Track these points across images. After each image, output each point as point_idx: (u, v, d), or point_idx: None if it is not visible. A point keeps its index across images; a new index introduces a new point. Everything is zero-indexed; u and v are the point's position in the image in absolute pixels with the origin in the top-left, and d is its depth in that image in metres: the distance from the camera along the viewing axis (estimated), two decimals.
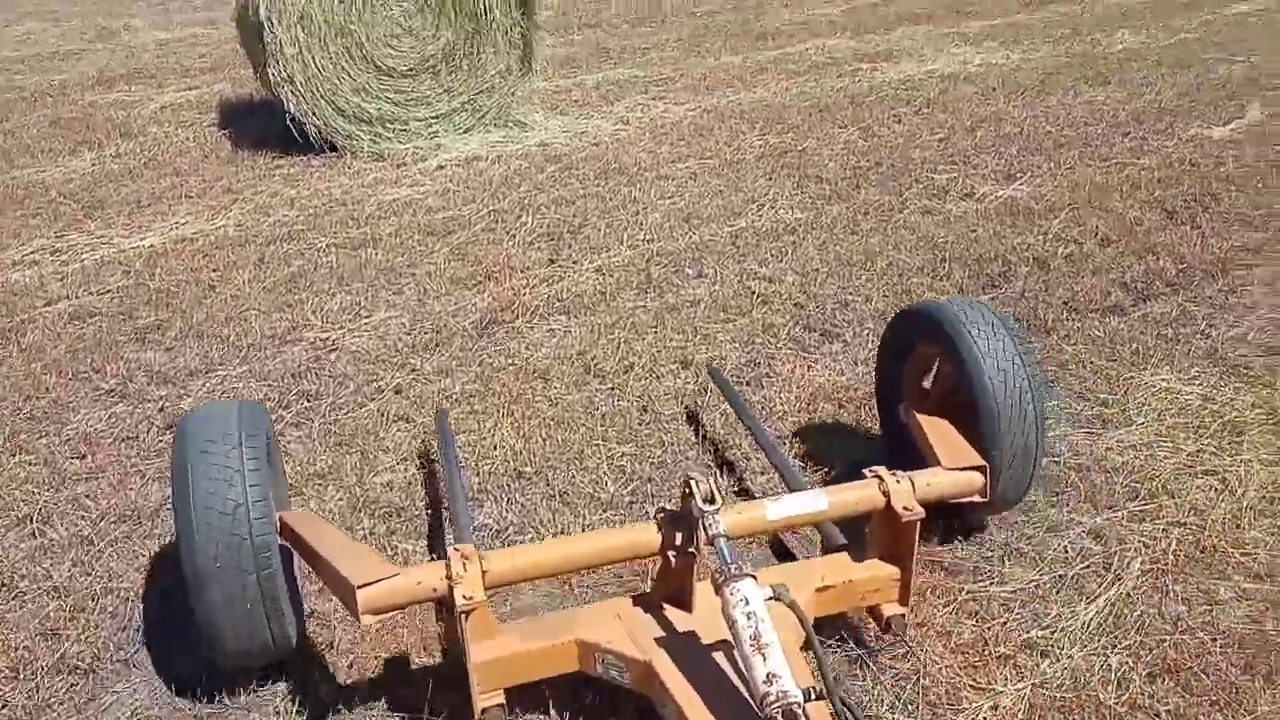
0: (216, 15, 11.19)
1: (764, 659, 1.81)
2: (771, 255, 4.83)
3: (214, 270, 4.78)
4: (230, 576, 2.12)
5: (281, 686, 2.41)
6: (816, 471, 3.19)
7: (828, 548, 2.59)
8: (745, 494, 3.11)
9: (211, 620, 2.17)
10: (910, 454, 2.78)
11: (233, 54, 8.61)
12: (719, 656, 2.11)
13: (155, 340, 4.16)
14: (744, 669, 1.86)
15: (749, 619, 1.87)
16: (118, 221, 5.46)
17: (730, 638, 1.92)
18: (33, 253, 5.07)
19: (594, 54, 9.16)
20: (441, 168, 6.30)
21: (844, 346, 3.98)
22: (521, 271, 4.75)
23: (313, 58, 6.22)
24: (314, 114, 6.30)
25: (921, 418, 2.79)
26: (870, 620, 2.47)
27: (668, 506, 2.24)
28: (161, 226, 5.37)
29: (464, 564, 2.13)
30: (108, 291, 4.64)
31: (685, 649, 2.15)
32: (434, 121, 6.69)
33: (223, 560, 2.11)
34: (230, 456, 2.19)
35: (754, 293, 4.44)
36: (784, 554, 2.82)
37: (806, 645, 2.01)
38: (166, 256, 4.98)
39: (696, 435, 3.44)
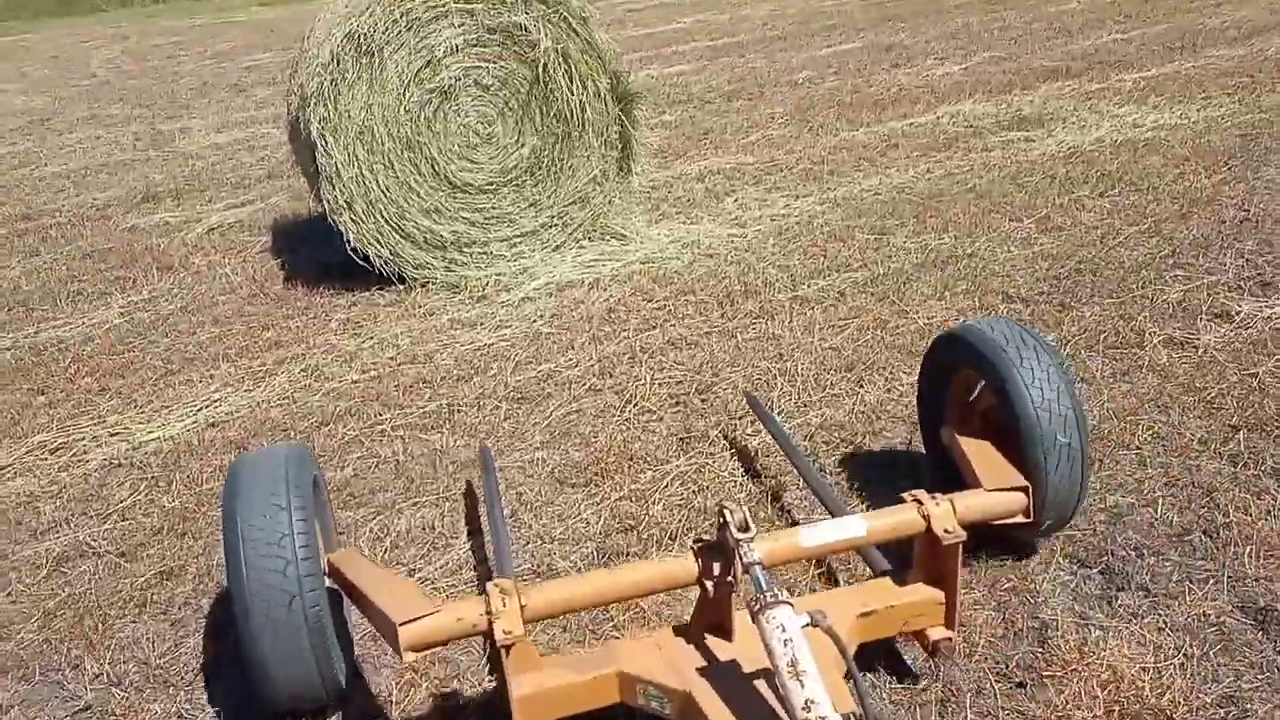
0: (280, 110, 10.43)
1: (802, 686, 1.83)
2: None
3: None
4: (281, 630, 2.19)
5: None
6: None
7: (873, 573, 2.60)
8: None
9: (264, 672, 2.23)
10: (953, 477, 2.82)
11: (291, 155, 7.74)
12: (760, 685, 2.12)
13: (158, 605, 3.05)
14: (782, 696, 1.86)
15: (786, 646, 1.89)
16: (137, 399, 4.42)
17: (770, 666, 1.93)
18: (29, 452, 4.03)
19: (689, 138, 8.03)
20: (530, 299, 5.17)
21: (1150, 606, 2.65)
22: (645, 462, 3.54)
23: (375, 179, 5.19)
24: (378, 242, 5.25)
25: (963, 440, 2.79)
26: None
27: (705, 537, 2.28)
28: (189, 404, 4.32)
29: (503, 599, 2.16)
30: (111, 513, 3.57)
31: (726, 679, 2.17)
32: (518, 241, 5.58)
33: (274, 615, 2.17)
34: (280, 518, 2.24)
35: None
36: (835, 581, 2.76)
37: (848, 675, 1.94)
38: (191, 454, 3.90)
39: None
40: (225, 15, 21.65)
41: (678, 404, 3.95)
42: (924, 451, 3.23)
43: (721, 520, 2.15)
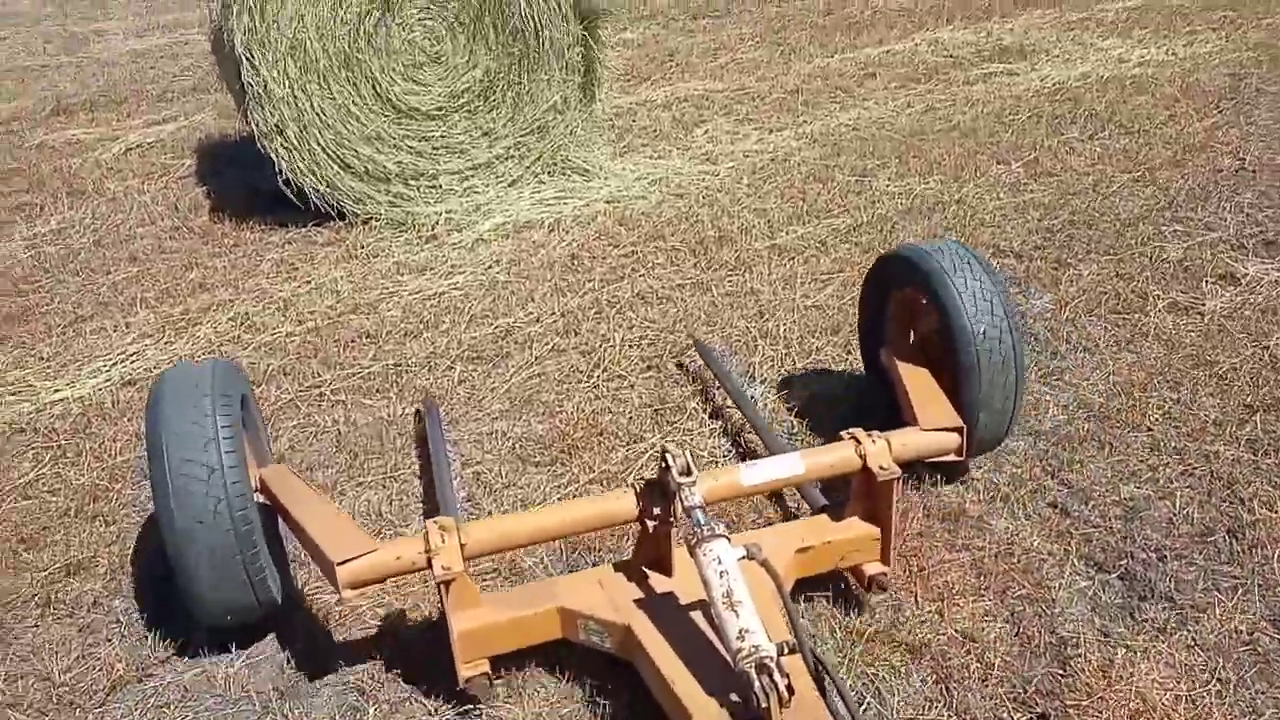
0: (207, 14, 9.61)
1: (737, 615, 1.85)
2: None
3: None
4: (210, 540, 2.15)
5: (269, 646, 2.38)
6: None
7: (811, 510, 2.60)
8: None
9: (193, 583, 2.20)
10: (892, 402, 2.86)
11: (216, 67, 7.07)
12: (698, 618, 2.13)
13: (64, 605, 2.66)
14: (718, 626, 1.88)
15: (721, 578, 1.91)
16: (42, 350, 3.94)
17: (706, 598, 1.94)
18: None
19: (655, 59, 7.52)
20: (483, 241, 4.73)
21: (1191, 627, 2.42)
22: (617, 438, 3.21)
23: (309, 100, 4.65)
24: (314, 173, 4.74)
25: (901, 366, 2.80)
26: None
27: (645, 475, 2.43)
28: (102, 356, 3.86)
29: (442, 535, 2.14)
30: (9, 491, 3.14)
31: (665, 612, 2.18)
32: (470, 174, 5.11)
33: (202, 524, 2.13)
34: (205, 423, 2.19)
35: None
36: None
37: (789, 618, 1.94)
38: (103, 418, 3.46)
39: None
40: None
41: (650, 368, 3.60)
42: (864, 372, 3.25)
43: (664, 464, 2.14)
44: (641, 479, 2.28)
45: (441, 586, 2.10)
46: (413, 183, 4.99)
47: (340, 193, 4.83)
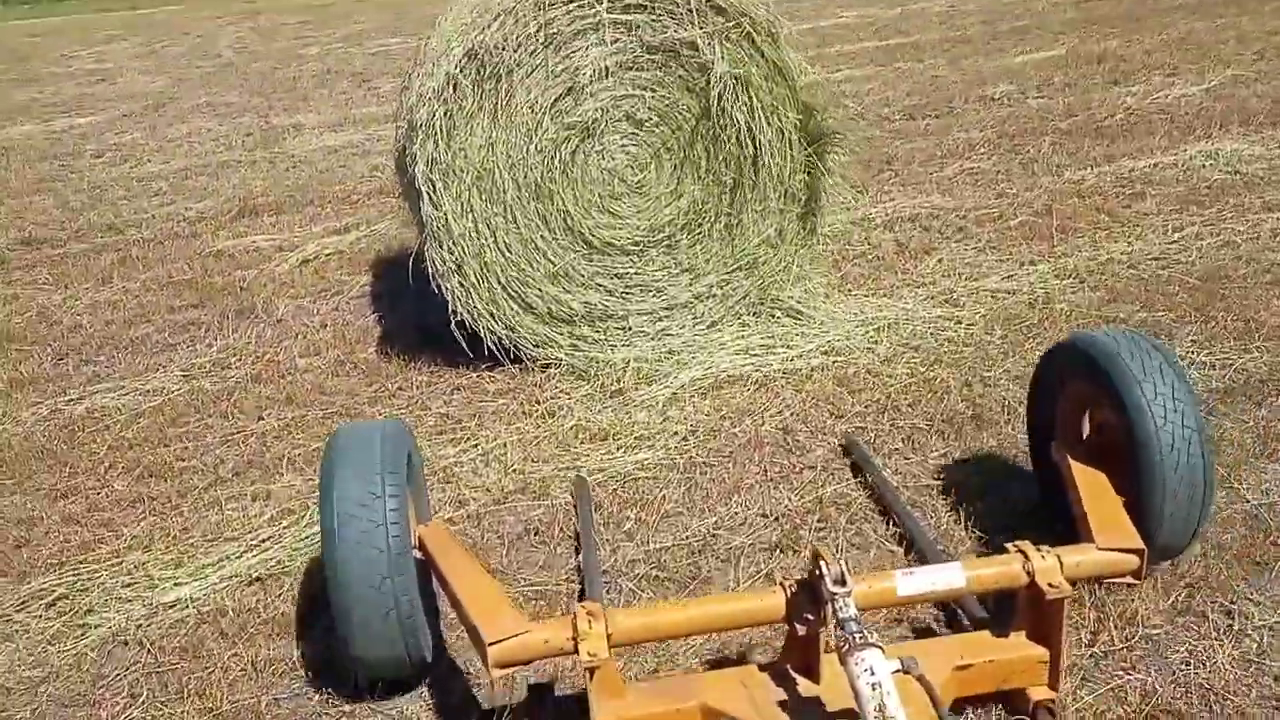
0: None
1: None
2: None
3: None
4: (371, 610, 2.29)
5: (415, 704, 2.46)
6: None
7: (970, 621, 2.51)
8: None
9: (351, 644, 2.35)
10: (1059, 498, 2.78)
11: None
12: None
13: None
14: None
15: (874, 690, 1.84)
16: (171, 523, 3.42)
17: (856, 710, 1.88)
18: (23, 604, 3.07)
19: (869, 167, 6.65)
20: (677, 399, 3.97)
21: None
22: None
23: (494, 235, 4.06)
24: (492, 315, 4.13)
25: (1076, 467, 2.65)
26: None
27: (794, 573, 2.23)
28: (235, 537, 3.29)
29: (589, 621, 2.16)
30: None
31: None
32: (665, 315, 4.38)
33: (365, 595, 2.29)
34: (373, 479, 2.34)
35: None
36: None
37: None
38: (219, 634, 2.84)
39: None
40: None
41: (897, 619, 2.68)
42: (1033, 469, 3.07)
43: (816, 570, 2.09)
44: (791, 578, 2.20)
45: (587, 672, 2.14)
46: (600, 324, 4.31)
47: (519, 335, 4.19)
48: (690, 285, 4.38)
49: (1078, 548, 2.36)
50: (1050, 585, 2.19)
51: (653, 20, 3.98)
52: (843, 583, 2.02)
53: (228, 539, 3.30)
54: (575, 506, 3.28)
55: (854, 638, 1.91)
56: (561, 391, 4.10)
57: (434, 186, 3.95)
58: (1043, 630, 2.26)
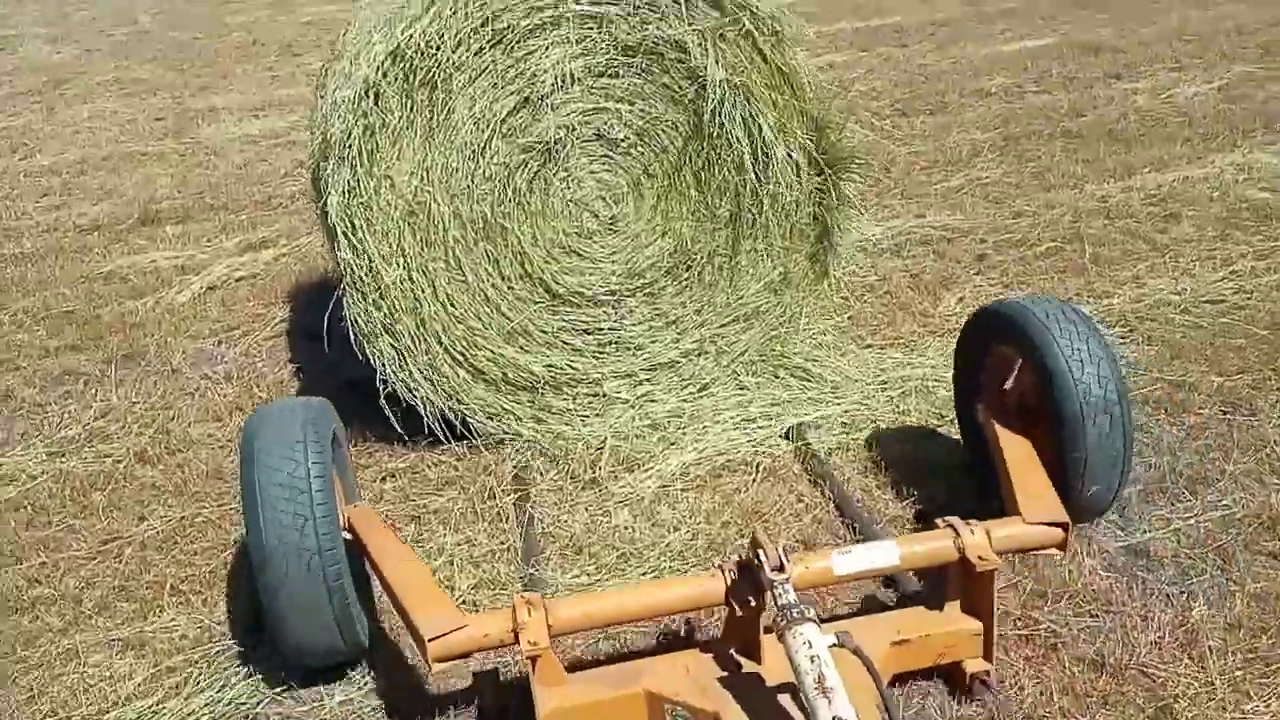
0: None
1: (829, 702, 1.81)
2: None
3: None
4: (299, 588, 2.22)
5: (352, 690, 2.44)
6: None
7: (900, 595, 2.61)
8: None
9: (281, 625, 2.28)
10: (981, 457, 2.88)
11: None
12: (788, 704, 2.09)
13: None
14: (810, 713, 1.84)
15: (812, 662, 1.87)
16: (1, 706, 2.59)
17: (796, 683, 1.91)
18: None
19: (868, 177, 5.89)
20: (665, 492, 3.21)
21: None
22: None
23: (431, 285, 3.25)
24: (432, 383, 3.32)
25: (1001, 433, 2.71)
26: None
27: (733, 557, 2.24)
28: (93, 702, 2.48)
29: (529, 611, 2.16)
30: None
31: (754, 698, 2.14)
32: (647, 378, 3.60)
33: (292, 573, 2.21)
34: (298, 459, 2.26)
35: None
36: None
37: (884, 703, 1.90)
38: None
39: None
40: None
41: None
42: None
43: (756, 557, 2.11)
44: (731, 560, 2.23)
45: (529, 662, 2.13)
46: (568, 391, 3.52)
47: (466, 407, 3.39)
48: (677, 341, 3.60)
49: (1005, 521, 2.41)
50: (980, 559, 2.26)
51: (630, 14, 3.16)
52: (781, 569, 2.07)
53: (87, 703, 2.48)
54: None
55: (791, 612, 1.96)
56: (521, 481, 3.31)
57: (352, 225, 3.11)
58: (974, 603, 2.33)
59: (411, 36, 3.03)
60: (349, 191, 3.10)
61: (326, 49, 10.56)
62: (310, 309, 4.58)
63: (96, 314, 4.64)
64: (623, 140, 3.35)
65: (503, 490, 3.26)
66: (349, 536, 2.45)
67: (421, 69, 3.07)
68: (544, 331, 3.48)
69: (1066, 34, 9.18)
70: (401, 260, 3.22)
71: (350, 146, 3.08)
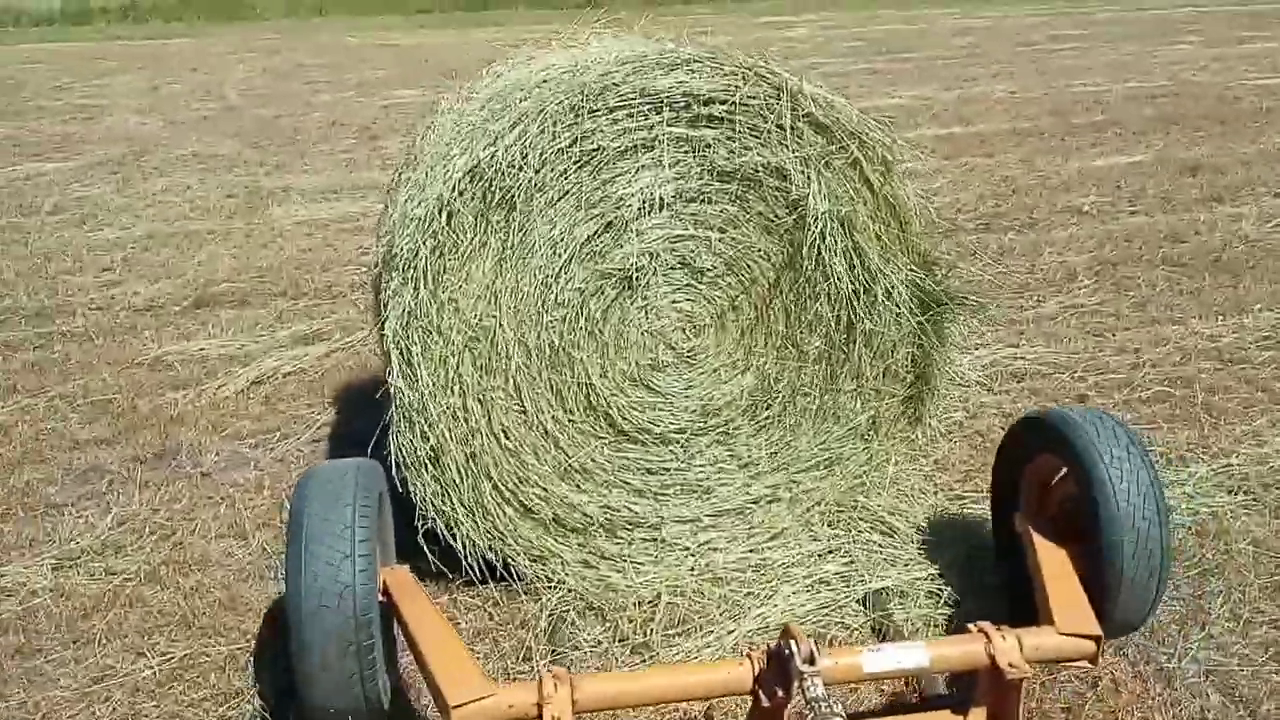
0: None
1: None
2: None
3: None
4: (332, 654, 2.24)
5: None
6: None
7: (926, 695, 2.59)
8: None
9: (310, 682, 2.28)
10: (1015, 565, 2.82)
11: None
12: None
13: None
14: None
15: None
16: None
17: None
18: None
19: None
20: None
21: None
22: None
23: (488, 416, 2.96)
24: (474, 520, 3.01)
25: (1038, 542, 2.67)
26: None
27: (761, 645, 2.28)
28: None
29: (555, 685, 2.17)
30: None
31: None
32: (712, 524, 3.24)
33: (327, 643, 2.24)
34: (344, 516, 2.33)
35: None
36: None
37: None
38: None
39: None
40: (385, 36, 20.35)
41: None
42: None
43: (787, 649, 2.13)
44: (760, 650, 2.24)
45: None
46: (622, 535, 3.17)
47: (510, 547, 3.06)
48: (748, 486, 3.25)
49: (1037, 630, 2.41)
50: (1010, 666, 2.26)
51: (729, 139, 2.90)
52: (812, 661, 2.09)
53: None
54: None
55: (819, 706, 1.98)
56: (559, 631, 2.95)
57: (408, 353, 2.83)
58: (1001, 710, 2.32)
59: (495, 154, 2.78)
60: (409, 313, 2.84)
61: (405, 132, 10.67)
62: (357, 415, 4.31)
63: (134, 404, 4.43)
64: (710, 269, 3.05)
65: (540, 645, 2.91)
66: (384, 600, 2.45)
67: (500, 189, 2.82)
68: (604, 470, 3.15)
69: (1161, 151, 8.81)
70: (458, 388, 2.93)
71: (416, 266, 2.82)
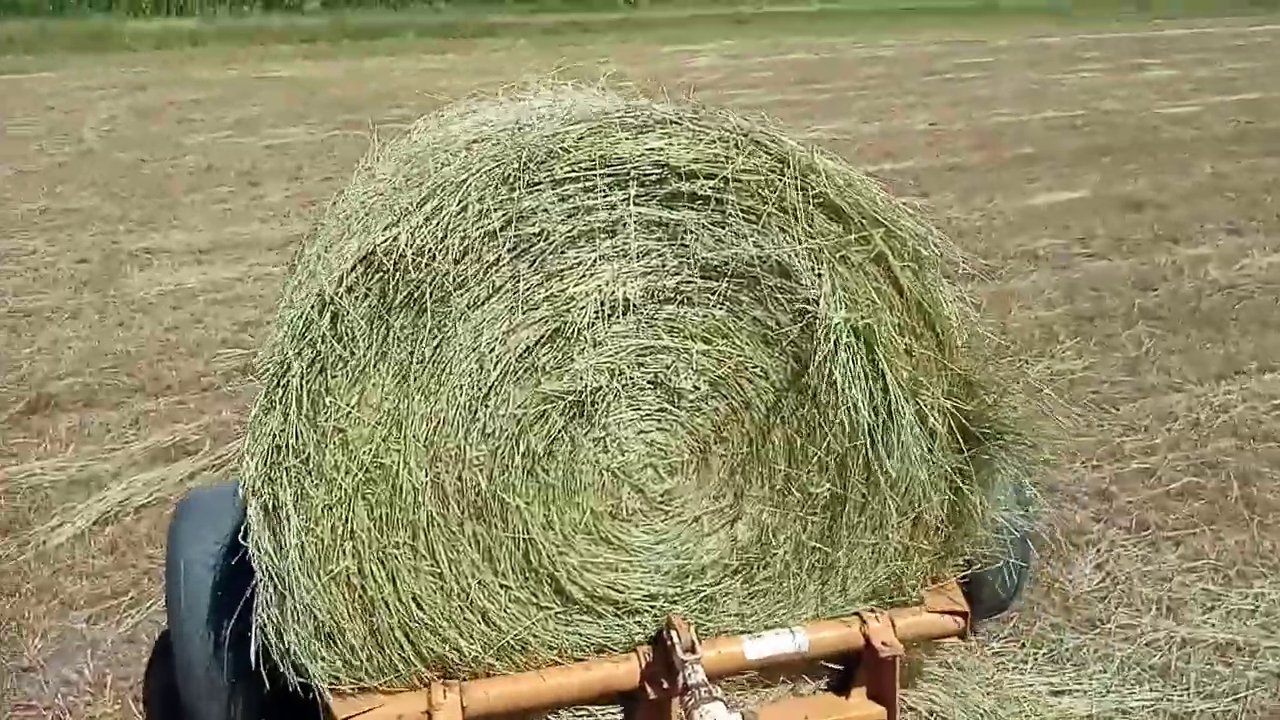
0: (293, 230, 7.44)
1: None
2: None
3: None
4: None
5: None
6: None
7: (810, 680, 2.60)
8: None
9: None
10: None
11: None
12: None
13: None
14: None
15: None
16: None
17: None
18: None
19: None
20: None
21: None
22: None
23: (392, 582, 2.13)
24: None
25: None
26: None
27: (645, 640, 2.32)
28: None
29: (444, 692, 2.17)
30: None
31: None
32: None
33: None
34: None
35: None
36: None
37: None
38: None
39: None
40: (267, 68, 19.10)
41: None
42: None
43: (669, 640, 2.20)
44: (645, 645, 2.32)
45: None
46: None
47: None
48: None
49: (908, 610, 2.49)
50: (883, 644, 2.37)
51: (716, 224, 2.17)
52: (693, 650, 2.16)
53: None
54: None
55: (699, 692, 2.04)
56: None
57: (274, 500, 2.02)
58: (879, 688, 2.43)
59: (397, 237, 2.00)
60: (275, 451, 2.03)
61: (287, 178, 9.66)
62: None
63: None
64: (691, 391, 2.30)
65: None
66: None
67: (406, 284, 2.04)
68: (549, 648, 2.36)
69: (1098, 186, 8.49)
70: (348, 546, 2.13)
71: (285, 386, 2.02)
